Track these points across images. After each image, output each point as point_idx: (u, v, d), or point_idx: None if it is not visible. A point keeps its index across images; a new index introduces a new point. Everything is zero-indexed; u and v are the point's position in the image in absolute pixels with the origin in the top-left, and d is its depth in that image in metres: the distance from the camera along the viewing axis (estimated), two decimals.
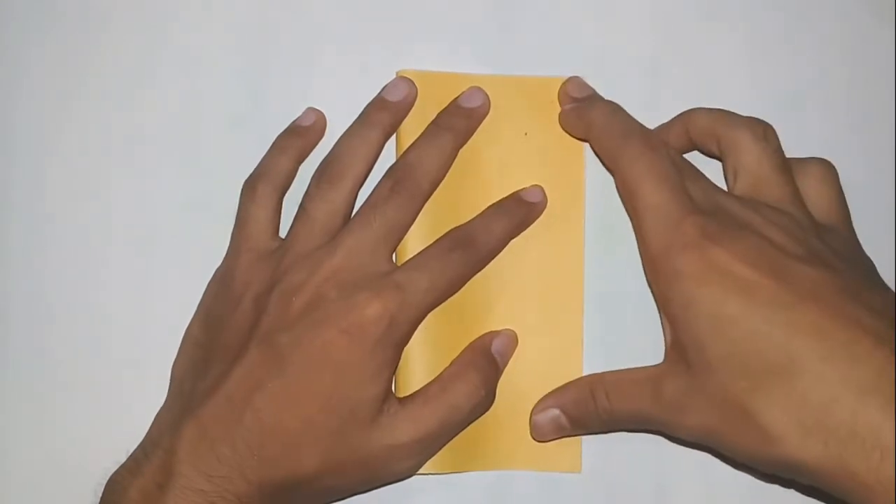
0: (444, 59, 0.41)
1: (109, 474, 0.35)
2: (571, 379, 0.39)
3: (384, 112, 0.40)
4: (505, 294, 0.40)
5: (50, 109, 0.41)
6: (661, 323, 0.37)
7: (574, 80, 0.40)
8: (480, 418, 0.38)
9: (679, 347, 0.35)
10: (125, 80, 0.41)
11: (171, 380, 0.38)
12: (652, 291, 0.37)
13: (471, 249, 0.38)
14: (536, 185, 0.40)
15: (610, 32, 0.41)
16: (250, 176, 0.40)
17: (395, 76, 0.40)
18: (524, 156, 0.40)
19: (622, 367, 0.37)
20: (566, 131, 0.40)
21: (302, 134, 0.40)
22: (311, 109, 0.41)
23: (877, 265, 0.38)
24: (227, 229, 0.40)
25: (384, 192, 0.38)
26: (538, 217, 0.40)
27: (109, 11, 0.41)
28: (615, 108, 0.39)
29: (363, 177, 0.39)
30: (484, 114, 0.40)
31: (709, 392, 0.34)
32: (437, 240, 0.38)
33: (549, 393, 0.39)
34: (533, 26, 0.41)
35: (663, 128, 0.40)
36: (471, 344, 0.39)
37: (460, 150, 0.40)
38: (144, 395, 0.38)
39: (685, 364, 0.35)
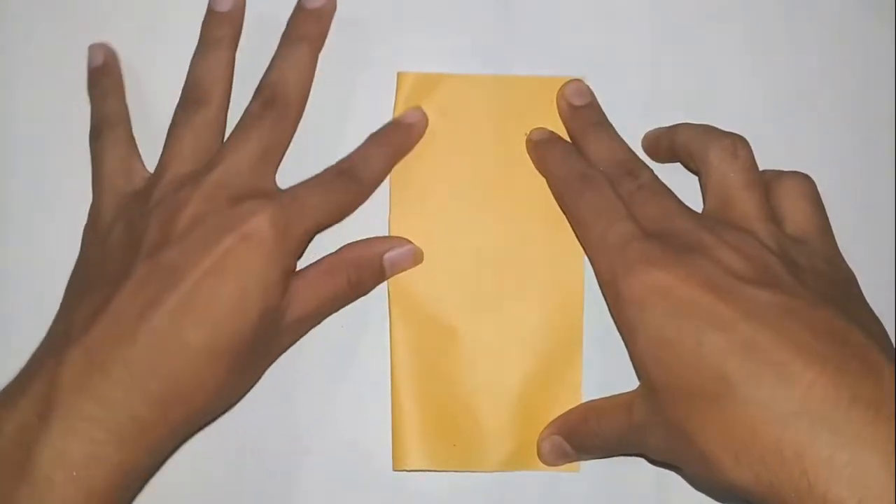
0: (444, 59, 0.41)
1: None
2: (570, 382, 0.39)
3: (223, 26, 0.40)
4: (505, 295, 0.40)
5: (49, 109, 0.41)
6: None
7: (573, 85, 0.40)
8: (478, 421, 0.39)
9: (637, 370, 0.35)
10: (125, 79, 0.41)
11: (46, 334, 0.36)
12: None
13: (353, 180, 0.38)
14: (417, 107, 0.40)
15: (610, 32, 0.41)
16: (90, 129, 0.40)
17: (396, 77, 0.40)
18: (522, 156, 0.40)
19: (620, 369, 0.38)
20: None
21: (106, 72, 0.40)
22: (94, 46, 0.40)
23: (877, 265, 0.38)
24: None
25: (256, 111, 0.38)
26: (418, 140, 0.40)
27: (109, 11, 0.41)
28: (566, 153, 0.39)
29: (226, 96, 0.39)
30: (331, 11, 0.40)
31: (661, 415, 0.33)
32: (323, 170, 0.38)
33: (552, 420, 0.39)
34: (533, 26, 0.41)
35: (653, 136, 0.40)
36: (371, 241, 0.39)
37: (460, 151, 0.40)
38: None
39: (644, 387, 0.35)
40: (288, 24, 0.40)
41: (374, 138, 0.40)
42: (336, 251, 0.38)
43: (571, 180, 0.38)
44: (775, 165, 0.40)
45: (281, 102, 0.38)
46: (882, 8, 0.42)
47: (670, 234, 0.35)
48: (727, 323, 0.32)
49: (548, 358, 0.40)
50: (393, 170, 0.40)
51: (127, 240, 0.35)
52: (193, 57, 0.40)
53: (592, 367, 0.40)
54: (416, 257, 0.39)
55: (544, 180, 0.40)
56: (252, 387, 0.38)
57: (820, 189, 0.40)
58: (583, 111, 0.40)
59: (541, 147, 0.40)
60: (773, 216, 0.36)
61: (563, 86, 0.40)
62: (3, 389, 0.34)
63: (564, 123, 0.40)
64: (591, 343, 0.40)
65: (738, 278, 0.33)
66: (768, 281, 0.33)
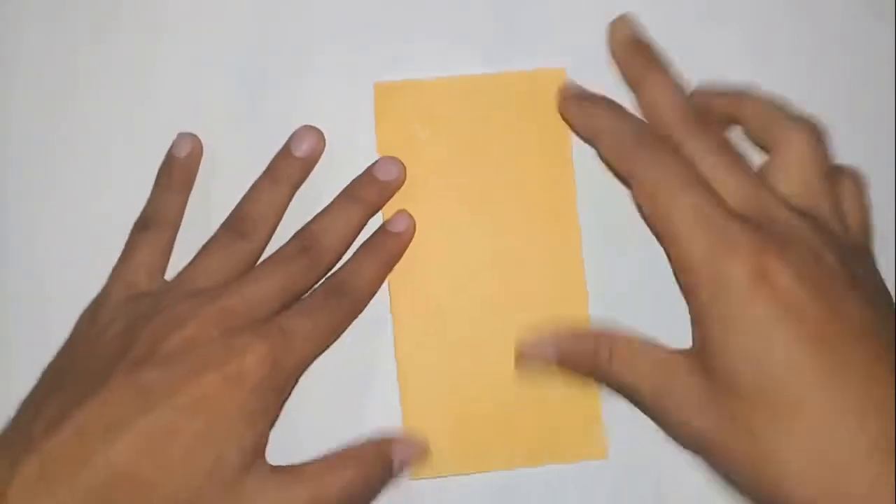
0: (444, 58, 0.41)
1: None
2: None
3: (294, 168, 0.39)
4: (510, 294, 0.40)
5: (49, 109, 0.41)
6: (691, 317, 0.35)
7: (623, 21, 0.39)
8: (496, 417, 0.39)
9: (705, 354, 0.33)
10: (125, 79, 0.41)
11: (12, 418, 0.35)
12: (687, 301, 0.35)
13: (346, 296, 0.38)
14: (402, 211, 0.40)
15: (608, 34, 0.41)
16: (140, 215, 0.39)
17: (374, 88, 0.40)
18: (510, 153, 0.40)
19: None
20: (572, 128, 0.40)
21: (181, 167, 0.40)
22: (183, 136, 0.40)
23: (877, 265, 0.38)
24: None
25: (290, 253, 0.38)
26: (407, 245, 0.39)
27: (109, 11, 0.41)
28: (619, 109, 0.38)
29: (271, 232, 0.39)
30: (398, 187, 0.40)
31: (722, 405, 0.32)
32: (314, 289, 0.38)
33: (553, 328, 0.38)
34: (532, 25, 0.41)
35: (707, 95, 0.39)
36: (375, 442, 0.37)
37: (448, 156, 0.40)
38: None
39: (706, 370, 0.33)
40: (352, 185, 0.40)
41: (363, 249, 0.39)
42: (344, 450, 0.36)
43: (642, 145, 0.36)
44: None
45: (316, 253, 0.38)
46: (882, 8, 0.42)
47: (767, 219, 0.33)
48: (838, 341, 0.31)
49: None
50: None
51: (117, 343, 0.34)
52: (254, 185, 0.39)
53: None
54: (425, 454, 0.38)
55: (535, 177, 0.40)
56: None
57: None
58: (642, 50, 0.38)
59: (585, 104, 0.38)
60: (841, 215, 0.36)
61: (613, 24, 0.39)
62: None
63: (619, 64, 0.39)
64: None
65: (842, 282, 0.32)
66: (862, 290, 0.32)
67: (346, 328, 0.38)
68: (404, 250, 0.39)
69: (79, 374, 0.34)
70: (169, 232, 0.39)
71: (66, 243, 0.40)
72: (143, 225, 0.39)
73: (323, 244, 0.38)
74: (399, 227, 0.39)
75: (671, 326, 0.37)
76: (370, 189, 0.39)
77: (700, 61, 0.41)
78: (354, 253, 0.39)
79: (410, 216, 0.40)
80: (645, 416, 0.37)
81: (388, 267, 0.39)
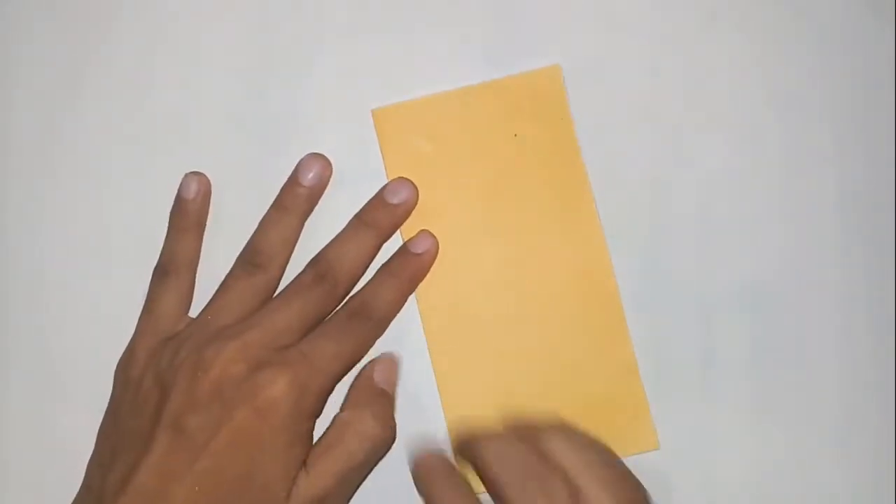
0: (443, 58, 0.41)
1: None
2: (624, 361, 0.39)
3: (301, 199, 0.39)
4: (539, 294, 0.40)
5: (49, 109, 0.41)
6: None
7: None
8: (543, 417, 0.38)
9: None
10: (125, 80, 0.41)
11: (85, 475, 0.37)
12: None
13: (367, 318, 0.38)
14: (425, 230, 0.40)
15: (610, 32, 0.41)
16: (158, 261, 0.40)
17: (369, 114, 0.40)
18: (519, 156, 0.40)
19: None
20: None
21: (195, 207, 0.40)
22: (189, 176, 0.40)
23: (877, 265, 0.38)
24: (228, 229, 0.40)
25: (307, 281, 0.38)
26: (430, 266, 0.39)
27: (109, 11, 0.41)
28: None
29: (286, 263, 0.39)
30: (410, 208, 0.40)
31: None
32: (336, 311, 0.38)
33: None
34: (532, 26, 0.41)
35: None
36: (355, 379, 0.38)
37: (457, 169, 0.40)
38: None
39: None
40: (363, 209, 0.40)
41: (384, 271, 0.39)
42: (337, 414, 0.38)
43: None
44: (775, 165, 0.41)
45: (332, 280, 0.38)
46: (882, 8, 0.42)
47: None
48: None
49: (595, 344, 0.40)
50: None
51: (154, 398, 0.36)
52: (265, 216, 0.40)
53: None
54: (394, 361, 0.39)
55: (547, 175, 0.40)
56: None
57: (820, 189, 0.41)
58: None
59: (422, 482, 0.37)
60: None
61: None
62: None
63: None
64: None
65: None
66: None
67: (369, 348, 0.39)
68: (427, 271, 0.40)
69: (127, 436, 0.36)
70: (189, 275, 0.40)
71: (66, 243, 0.40)
72: (164, 272, 0.39)
73: (338, 271, 0.38)
74: (420, 248, 0.39)
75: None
76: (381, 214, 0.39)
77: (700, 62, 0.41)
78: (375, 274, 0.39)
79: (432, 236, 0.40)
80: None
81: (411, 288, 0.39)
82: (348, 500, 0.37)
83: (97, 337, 0.40)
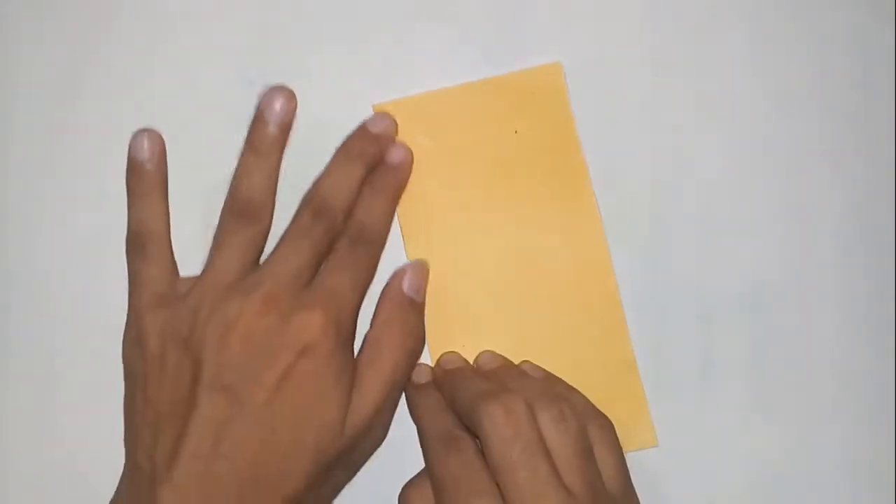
0: (443, 58, 0.41)
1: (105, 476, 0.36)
2: (624, 360, 0.40)
3: (271, 137, 0.39)
4: (539, 298, 0.40)
5: (50, 109, 0.41)
6: None
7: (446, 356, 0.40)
8: None
9: None
10: (125, 80, 0.41)
11: (126, 458, 0.37)
12: None
13: (367, 241, 0.39)
14: (397, 143, 0.40)
15: (610, 32, 0.41)
16: (128, 234, 0.39)
17: (371, 111, 0.41)
18: (520, 153, 0.40)
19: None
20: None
21: (151, 167, 0.40)
22: (139, 134, 0.40)
23: (877, 265, 0.38)
24: None
25: (306, 221, 0.38)
26: (409, 174, 0.40)
27: (109, 11, 0.41)
28: (437, 407, 0.38)
29: (273, 206, 0.39)
30: (393, 135, 0.40)
31: None
32: (339, 241, 0.38)
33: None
34: (532, 26, 0.41)
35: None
36: (383, 293, 0.39)
37: (457, 166, 0.40)
38: None
39: None
40: (347, 140, 0.40)
41: (369, 191, 0.39)
42: (368, 330, 0.38)
43: (438, 439, 0.36)
44: (775, 165, 0.41)
45: (329, 215, 0.38)
46: (882, 8, 0.42)
47: None
48: None
49: (594, 340, 0.40)
50: (399, 205, 0.40)
51: (186, 363, 0.36)
52: (242, 162, 0.39)
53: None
54: (424, 267, 0.40)
55: (548, 172, 0.40)
56: (348, 481, 0.39)
57: (820, 190, 0.41)
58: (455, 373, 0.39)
59: (415, 394, 0.39)
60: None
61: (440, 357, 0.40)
62: None
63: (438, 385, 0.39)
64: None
65: None
66: None
67: (377, 267, 0.39)
68: (407, 180, 0.40)
69: (165, 408, 0.36)
70: (166, 239, 0.39)
71: (66, 243, 0.40)
72: (138, 243, 0.39)
73: (333, 206, 0.38)
74: (397, 158, 0.40)
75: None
76: (366, 144, 0.40)
77: (700, 62, 0.41)
78: (362, 195, 0.39)
79: (406, 146, 0.40)
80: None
81: (396, 200, 0.40)
82: (392, 414, 0.39)
83: (97, 337, 0.40)
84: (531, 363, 0.40)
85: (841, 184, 0.41)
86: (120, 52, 0.41)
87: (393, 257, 0.40)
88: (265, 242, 0.39)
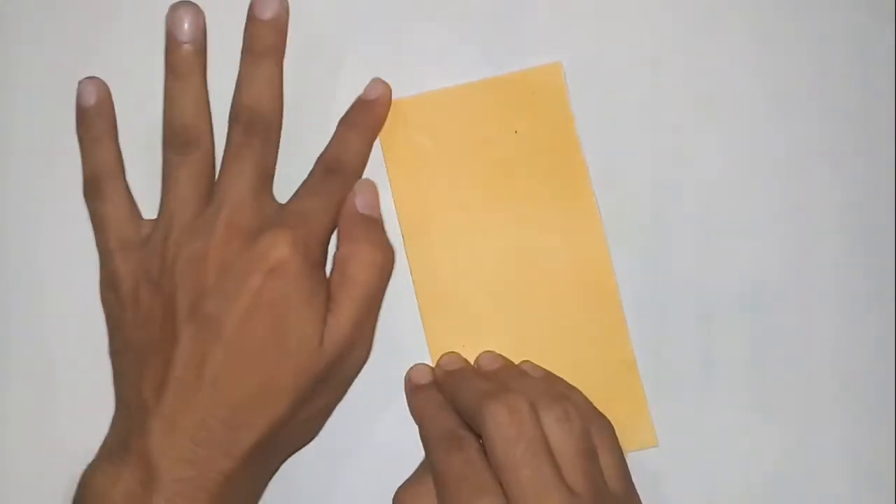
0: (444, 58, 0.41)
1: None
2: (624, 359, 0.40)
3: (189, 55, 0.39)
4: (539, 298, 0.40)
5: (50, 109, 0.41)
6: None
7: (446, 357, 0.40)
8: None
9: None
10: (125, 80, 0.41)
11: (115, 399, 0.38)
12: None
13: (341, 172, 0.39)
14: (376, 79, 0.40)
15: (610, 32, 0.41)
16: (84, 180, 0.39)
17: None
18: (520, 153, 0.40)
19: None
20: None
21: (98, 113, 0.40)
22: (83, 82, 0.40)
23: (877, 265, 0.38)
24: None
25: (240, 139, 0.38)
26: (386, 112, 0.40)
27: (109, 11, 0.41)
28: (440, 407, 0.38)
29: (212, 129, 0.39)
30: (286, 19, 0.40)
31: None
32: (312, 170, 0.39)
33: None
34: (532, 26, 0.41)
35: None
36: (340, 216, 0.38)
37: (455, 161, 0.40)
38: None
39: None
40: (246, 39, 0.39)
41: (345, 123, 0.40)
42: (335, 252, 0.39)
43: (440, 439, 0.36)
44: (775, 165, 0.41)
45: (262, 124, 0.38)
46: (882, 8, 0.42)
47: None
48: None
49: (594, 340, 0.40)
50: (398, 201, 0.40)
51: (160, 302, 0.36)
52: (167, 90, 0.39)
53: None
54: (370, 184, 0.39)
55: (548, 172, 0.40)
56: (336, 403, 0.39)
57: (820, 190, 0.41)
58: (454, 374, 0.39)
59: (416, 395, 0.39)
60: None
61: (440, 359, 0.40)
62: (99, 462, 0.36)
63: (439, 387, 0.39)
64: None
65: None
66: None
67: (345, 198, 0.39)
68: (385, 116, 0.40)
69: (146, 345, 0.36)
70: (122, 180, 0.39)
71: (66, 243, 0.40)
72: (95, 187, 0.39)
73: (262, 112, 0.38)
74: (374, 94, 0.40)
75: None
76: (266, 35, 0.39)
77: (700, 62, 0.41)
78: (337, 128, 0.40)
79: (384, 82, 0.40)
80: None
81: (373, 136, 0.40)
82: (373, 333, 0.39)
83: (97, 337, 0.40)
84: (531, 363, 0.39)
85: (841, 184, 0.41)
86: (120, 52, 0.41)
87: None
88: (214, 165, 0.39)
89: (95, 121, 0.40)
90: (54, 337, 0.40)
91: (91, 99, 0.40)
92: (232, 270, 0.36)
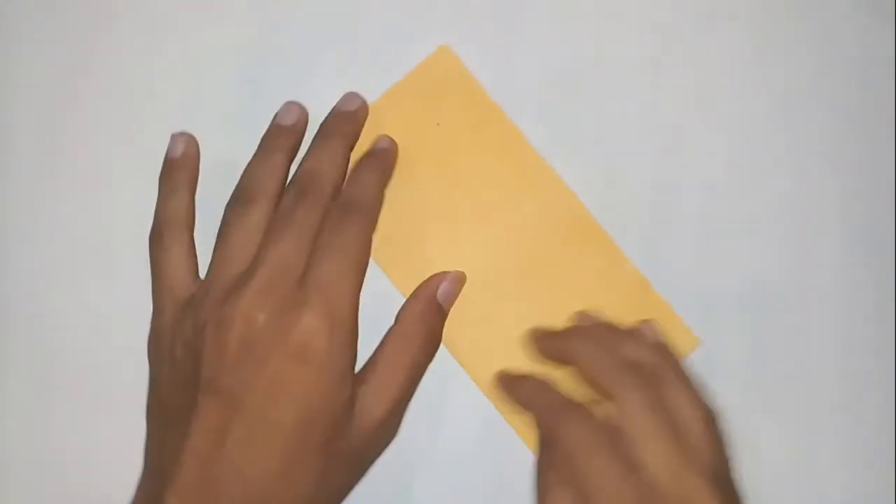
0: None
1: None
2: (636, 284, 0.40)
3: (281, 136, 0.39)
4: (531, 257, 0.40)
5: (50, 109, 0.41)
6: None
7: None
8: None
9: None
10: (125, 80, 0.41)
11: (143, 458, 0.37)
12: None
13: (358, 210, 0.37)
14: (383, 135, 0.40)
15: (610, 32, 0.41)
16: (153, 226, 0.39)
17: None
18: (451, 142, 0.41)
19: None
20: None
21: (182, 165, 0.40)
22: (175, 136, 0.40)
23: (877, 265, 0.38)
24: None
25: (291, 201, 0.37)
26: (395, 161, 0.40)
27: (109, 11, 0.41)
28: (542, 384, 0.38)
29: (277, 195, 0.38)
30: (365, 114, 0.40)
31: None
32: (328, 214, 0.37)
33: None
34: (532, 26, 0.41)
35: (542, 339, 0.40)
36: (416, 292, 0.39)
37: (399, 175, 0.40)
38: (143, 396, 0.38)
39: None
40: (322, 124, 0.40)
41: (356, 167, 0.39)
42: (392, 326, 0.38)
43: (555, 410, 0.36)
44: (775, 165, 0.41)
45: (315, 189, 0.37)
46: (882, 8, 0.42)
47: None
48: None
49: (602, 274, 0.40)
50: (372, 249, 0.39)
51: (188, 367, 0.35)
52: (250, 162, 0.39)
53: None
54: (462, 279, 0.40)
55: (484, 147, 0.40)
56: (359, 481, 0.38)
57: (820, 190, 0.41)
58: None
59: (515, 386, 0.39)
60: None
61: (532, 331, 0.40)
62: None
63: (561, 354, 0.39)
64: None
65: None
66: None
67: (370, 242, 0.37)
68: (394, 164, 0.40)
69: (173, 410, 0.35)
70: (188, 233, 0.39)
71: (65, 244, 0.40)
72: (159, 234, 0.39)
73: (318, 181, 0.37)
74: (383, 144, 0.40)
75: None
76: (342, 122, 0.39)
77: (701, 61, 0.41)
78: (351, 173, 0.39)
79: (390, 137, 0.40)
80: None
81: (386, 177, 0.39)
82: (403, 415, 0.38)
83: (97, 337, 0.40)
84: (586, 313, 0.40)
85: (841, 184, 0.41)
86: (120, 52, 0.41)
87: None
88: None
89: (177, 172, 0.40)
90: (54, 337, 0.40)
91: (178, 151, 0.40)
92: (255, 346, 0.34)
